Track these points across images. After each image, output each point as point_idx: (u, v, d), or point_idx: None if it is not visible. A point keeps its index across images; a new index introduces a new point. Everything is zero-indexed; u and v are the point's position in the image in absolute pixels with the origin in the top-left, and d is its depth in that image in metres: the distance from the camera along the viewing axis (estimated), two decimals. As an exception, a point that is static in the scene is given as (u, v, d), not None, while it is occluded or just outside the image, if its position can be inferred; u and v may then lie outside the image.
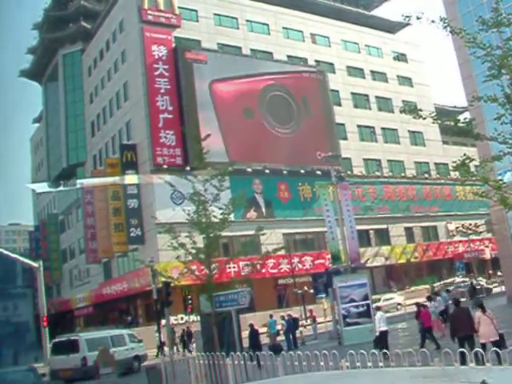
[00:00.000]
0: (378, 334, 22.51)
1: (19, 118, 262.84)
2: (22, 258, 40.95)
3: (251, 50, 64.92)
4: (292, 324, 34.60)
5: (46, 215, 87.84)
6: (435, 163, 76.15)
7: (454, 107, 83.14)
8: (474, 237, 70.68)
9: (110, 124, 66.13)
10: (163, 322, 36.64)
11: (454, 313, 18.12)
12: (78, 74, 74.76)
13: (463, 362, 10.19)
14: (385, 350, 12.33)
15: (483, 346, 14.68)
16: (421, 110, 16.91)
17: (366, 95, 73.78)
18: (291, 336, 33.12)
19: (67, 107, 74.78)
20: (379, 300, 46.90)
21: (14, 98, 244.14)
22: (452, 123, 18.10)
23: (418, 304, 26.26)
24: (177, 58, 57.90)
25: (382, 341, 21.30)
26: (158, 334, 38.40)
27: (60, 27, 75.30)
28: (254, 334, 27.40)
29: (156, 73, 56.95)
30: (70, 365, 28.15)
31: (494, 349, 11.06)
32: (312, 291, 55.96)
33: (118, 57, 63.94)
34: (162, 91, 56.79)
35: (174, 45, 58.84)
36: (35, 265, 35.17)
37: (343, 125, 69.02)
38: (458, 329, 16.51)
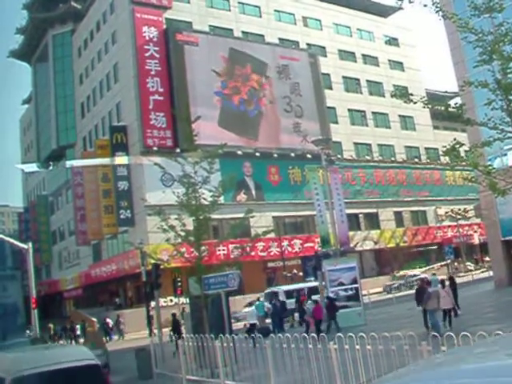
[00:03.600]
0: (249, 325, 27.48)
1: (8, 98, 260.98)
2: (11, 240, 40.73)
3: (243, 32, 64.63)
4: (279, 307, 34.72)
5: (36, 197, 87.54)
6: (425, 148, 76.32)
7: (445, 92, 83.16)
8: (462, 222, 71.14)
9: (100, 105, 65.79)
10: (153, 303, 36.72)
11: (418, 289, 24.18)
12: (68, 55, 74.19)
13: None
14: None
15: (443, 311, 21.61)
16: (412, 95, 16.93)
17: (357, 79, 73.70)
18: (278, 319, 33.23)
19: (57, 88, 74.26)
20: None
21: (3, 78, 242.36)
22: (443, 108, 18.13)
23: None
24: (168, 40, 57.58)
25: (251, 332, 24.31)
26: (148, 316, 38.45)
27: (50, 7, 74.53)
28: (176, 322, 30.35)
29: (146, 54, 56.63)
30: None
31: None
32: (301, 274, 56.30)
33: (109, 38, 63.50)
34: (153, 73, 56.52)
35: (164, 26, 58.51)
36: (24, 246, 34.98)
37: (334, 108, 68.96)
38: (428, 304, 21.23)
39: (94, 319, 48.06)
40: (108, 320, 48.52)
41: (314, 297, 33.53)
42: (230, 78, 60.77)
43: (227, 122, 58.26)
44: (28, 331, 38.87)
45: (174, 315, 32.94)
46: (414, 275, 54.09)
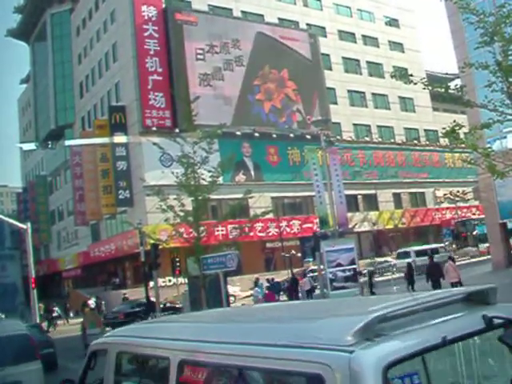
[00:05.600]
0: None
1: (6, 78, 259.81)
2: (10, 220, 40.74)
3: (242, 11, 64.21)
4: (276, 287, 34.97)
5: (34, 177, 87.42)
6: (425, 130, 76.19)
7: (445, 74, 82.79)
8: (461, 204, 71.22)
9: (99, 85, 65.52)
10: (151, 283, 36.85)
11: (429, 265, 27.69)
12: (67, 34, 73.68)
13: None
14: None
15: (451, 284, 24.56)
16: (411, 76, 16.87)
17: (357, 60, 73.38)
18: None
19: (55, 68, 73.88)
20: None
21: (1, 58, 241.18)
22: (443, 90, 18.06)
23: None
24: (167, 19, 57.20)
25: None
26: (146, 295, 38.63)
27: (48, -14, 74.04)
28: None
29: (145, 34, 56.29)
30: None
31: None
32: (299, 255, 56.42)
33: (107, 17, 63.09)
34: (152, 53, 56.23)
35: (163, 5, 58.11)
36: (23, 226, 35.00)
37: (333, 89, 68.73)
38: (432, 275, 26.05)
39: (90, 301, 48.24)
40: (89, 301, 48.71)
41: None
42: (263, 82, 60.93)
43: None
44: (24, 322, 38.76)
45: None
46: (386, 261, 54.15)
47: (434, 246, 51.51)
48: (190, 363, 4.05)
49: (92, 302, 48.14)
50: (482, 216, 63.14)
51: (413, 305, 3.39)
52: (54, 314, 50.01)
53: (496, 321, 3.48)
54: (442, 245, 52.97)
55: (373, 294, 31.89)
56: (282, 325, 3.83)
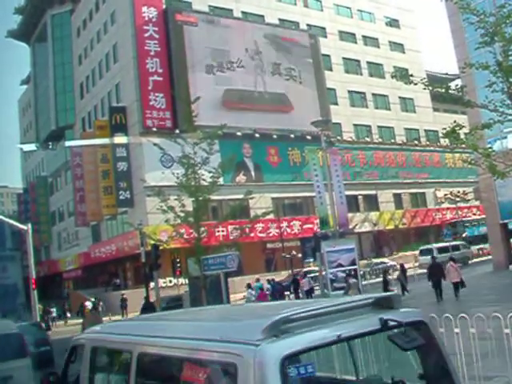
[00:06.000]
0: None
1: (6, 79, 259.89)
2: (10, 221, 40.73)
3: (242, 12, 64.21)
4: (277, 287, 35.04)
5: (35, 178, 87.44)
6: (425, 130, 76.18)
7: (446, 74, 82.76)
8: (461, 204, 71.21)
9: (99, 86, 65.54)
10: (152, 284, 36.84)
11: (431, 265, 28.00)
12: (67, 35, 73.69)
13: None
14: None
15: (453, 283, 25.50)
16: (412, 76, 16.88)
17: (358, 60, 73.39)
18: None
19: (56, 69, 73.89)
20: None
21: (1, 59, 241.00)
22: (443, 90, 18.06)
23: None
24: (167, 20, 57.21)
25: None
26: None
27: (48, -13, 74.04)
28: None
29: (146, 35, 56.30)
30: None
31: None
32: (300, 255, 56.40)
33: (108, 18, 63.10)
34: (152, 53, 56.23)
35: (164, 6, 58.11)
36: (24, 227, 34.98)
37: (334, 90, 68.73)
38: (433, 275, 26.47)
39: (87, 302, 48.29)
40: (86, 303, 48.68)
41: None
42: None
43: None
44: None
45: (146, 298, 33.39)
46: (382, 262, 53.64)
47: (454, 243, 52.02)
48: (146, 355, 4.99)
49: (89, 304, 48.15)
50: (474, 217, 63.28)
51: (317, 308, 4.27)
52: (52, 315, 50.08)
53: (391, 323, 4.25)
54: (463, 242, 52.93)
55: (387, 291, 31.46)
56: (212, 323, 5.00)
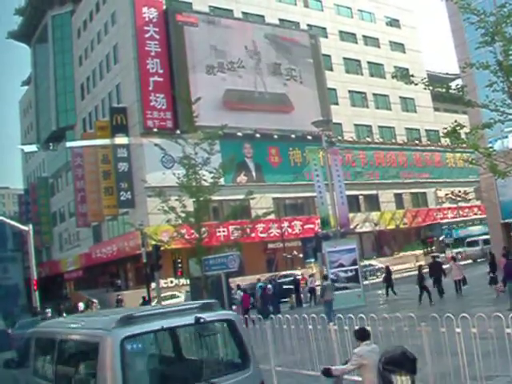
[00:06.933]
0: None
1: (7, 80, 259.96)
2: (11, 222, 40.81)
3: (243, 12, 64.23)
4: (278, 288, 35.02)
5: (36, 179, 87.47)
6: (426, 130, 76.16)
7: (446, 74, 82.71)
8: (462, 204, 71.19)
9: (100, 87, 65.55)
10: (153, 285, 36.85)
11: (431, 263, 28.41)
12: (68, 36, 73.71)
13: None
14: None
15: (455, 281, 26.83)
16: (412, 76, 16.87)
17: (358, 60, 73.38)
18: (276, 301, 33.48)
19: (56, 70, 73.93)
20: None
21: (2, 60, 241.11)
22: (444, 90, 18.04)
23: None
24: (167, 21, 57.22)
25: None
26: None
27: (49, -12, 74.04)
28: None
29: (146, 35, 56.30)
30: None
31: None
32: (301, 256, 56.41)
33: (108, 19, 63.10)
34: (153, 54, 56.23)
35: (164, 7, 58.10)
36: (25, 228, 35.11)
37: (334, 90, 68.72)
38: (433, 273, 26.83)
39: (95, 300, 48.27)
40: (79, 304, 48.69)
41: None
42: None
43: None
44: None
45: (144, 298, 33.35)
46: (370, 265, 52.82)
47: None
48: (62, 341, 7.92)
49: (81, 305, 48.15)
50: (452, 220, 62.72)
51: (154, 310, 7.36)
52: (48, 315, 49.99)
53: (202, 320, 6.86)
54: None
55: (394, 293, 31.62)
56: (91, 318, 8.88)
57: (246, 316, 17.14)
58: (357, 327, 8.91)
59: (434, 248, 56.58)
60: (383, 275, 35.21)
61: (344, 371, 7.94)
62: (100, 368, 6.43)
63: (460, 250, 50.54)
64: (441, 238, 56.00)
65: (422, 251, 60.01)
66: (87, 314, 13.63)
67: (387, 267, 34.21)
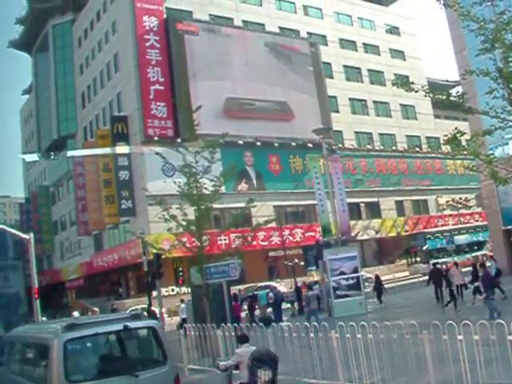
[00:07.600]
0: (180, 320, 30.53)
1: (8, 89, 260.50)
2: (12, 230, 40.72)
3: (243, 21, 64.43)
4: (280, 297, 34.97)
5: (37, 187, 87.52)
6: (426, 137, 76.20)
7: (446, 81, 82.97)
8: (464, 211, 71.14)
9: (101, 95, 65.70)
10: (154, 293, 36.79)
11: (432, 271, 28.54)
12: (69, 45, 73.96)
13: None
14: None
15: (457, 286, 26.59)
16: (413, 83, 16.88)
17: (358, 68, 73.52)
18: (278, 308, 33.47)
19: (57, 78, 74.12)
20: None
21: (3, 69, 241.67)
22: (444, 97, 18.04)
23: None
24: (168, 29, 57.40)
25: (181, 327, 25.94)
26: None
27: (50, -3, 74.26)
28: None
29: (147, 44, 56.47)
30: None
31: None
32: (302, 263, 56.32)
33: (109, 27, 63.30)
34: (153, 62, 56.38)
35: (165, 16, 58.29)
36: (26, 237, 34.90)
37: (335, 97, 68.82)
38: (434, 278, 27.40)
39: (96, 309, 48.15)
40: (74, 313, 48.54)
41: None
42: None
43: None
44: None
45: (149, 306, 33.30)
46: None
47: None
48: (26, 343, 10.38)
49: (76, 313, 47.99)
50: (437, 229, 62.56)
51: (94, 318, 10.16)
52: None
53: (129, 327, 8.97)
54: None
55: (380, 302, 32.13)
56: (46, 325, 12.28)
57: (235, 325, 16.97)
58: (239, 333, 11.73)
59: (418, 259, 56.55)
60: (372, 284, 35.78)
61: (227, 366, 9.93)
62: (50, 363, 8.50)
63: (445, 259, 48.39)
64: (424, 248, 55.23)
65: (405, 261, 60.14)
66: (46, 322, 18.27)
67: (377, 276, 34.62)
